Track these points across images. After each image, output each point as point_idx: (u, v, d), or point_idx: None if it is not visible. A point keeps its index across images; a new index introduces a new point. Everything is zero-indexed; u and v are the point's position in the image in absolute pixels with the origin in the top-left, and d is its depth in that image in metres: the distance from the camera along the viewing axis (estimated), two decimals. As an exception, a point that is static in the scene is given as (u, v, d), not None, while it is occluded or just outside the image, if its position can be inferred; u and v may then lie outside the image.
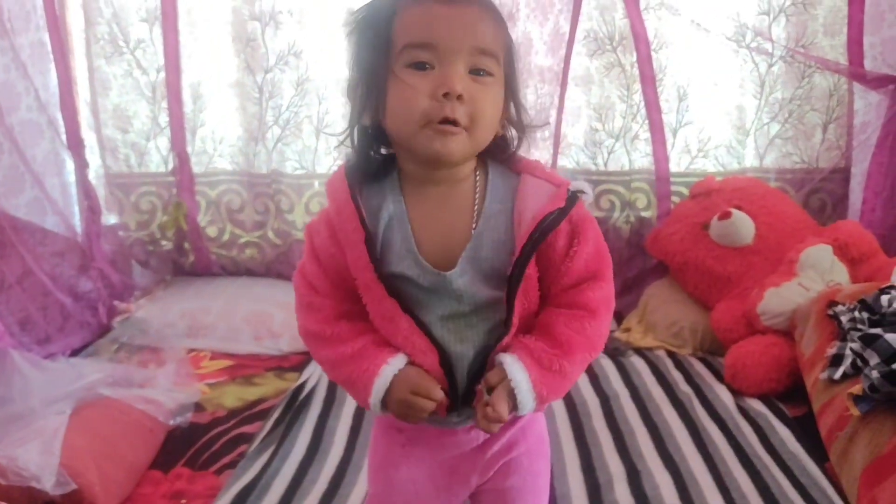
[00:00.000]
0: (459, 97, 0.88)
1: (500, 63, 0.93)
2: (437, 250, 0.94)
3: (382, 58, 0.91)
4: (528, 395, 0.91)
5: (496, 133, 0.97)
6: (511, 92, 0.97)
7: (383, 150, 1.00)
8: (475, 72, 0.90)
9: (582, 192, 0.95)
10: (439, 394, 0.94)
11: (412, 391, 0.93)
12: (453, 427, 1.03)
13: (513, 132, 1.00)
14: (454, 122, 0.89)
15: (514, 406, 0.92)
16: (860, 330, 1.70)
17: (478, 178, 0.97)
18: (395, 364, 0.94)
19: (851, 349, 1.69)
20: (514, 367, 0.92)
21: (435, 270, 0.94)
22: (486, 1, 0.93)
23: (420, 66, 0.89)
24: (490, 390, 0.92)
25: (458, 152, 0.91)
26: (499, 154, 1.00)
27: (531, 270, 0.94)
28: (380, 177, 0.98)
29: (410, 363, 0.96)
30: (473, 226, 0.95)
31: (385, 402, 0.95)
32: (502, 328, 0.95)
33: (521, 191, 0.96)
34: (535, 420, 1.10)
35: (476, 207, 0.96)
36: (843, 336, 1.79)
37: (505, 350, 0.95)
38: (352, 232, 0.93)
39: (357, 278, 0.95)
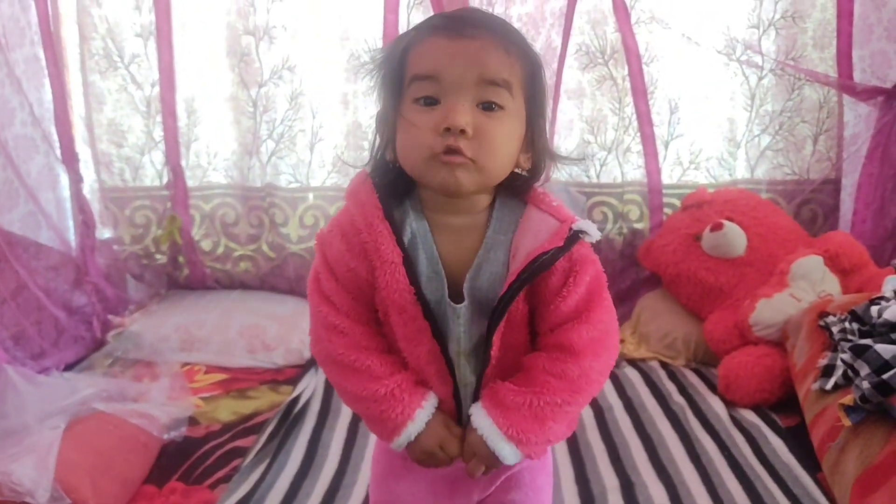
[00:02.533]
0: (463, 132, 0.86)
1: (515, 93, 0.90)
2: (453, 278, 0.94)
3: (395, 94, 0.91)
4: (498, 438, 0.91)
5: (519, 165, 0.95)
6: (532, 121, 0.94)
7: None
8: (486, 105, 0.88)
9: (585, 233, 0.92)
10: (459, 454, 0.97)
11: (440, 446, 0.95)
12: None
13: (543, 167, 0.98)
14: (459, 151, 0.87)
15: (493, 456, 0.93)
16: (850, 341, 1.70)
17: (492, 209, 0.96)
18: (428, 409, 0.95)
19: (842, 360, 1.70)
20: (478, 416, 0.94)
21: (451, 302, 0.94)
22: (499, 29, 0.91)
23: (428, 101, 0.88)
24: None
25: (467, 182, 0.89)
26: (520, 186, 0.97)
27: (520, 306, 0.93)
28: (401, 195, 0.97)
29: (438, 406, 0.97)
30: (475, 255, 0.94)
31: (409, 445, 0.97)
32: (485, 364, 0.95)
33: (522, 223, 0.94)
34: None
35: (482, 237, 0.95)
36: (834, 347, 1.80)
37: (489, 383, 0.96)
38: (387, 252, 0.91)
39: (388, 298, 0.93)
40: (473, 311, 0.93)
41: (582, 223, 0.93)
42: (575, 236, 0.91)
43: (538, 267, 0.90)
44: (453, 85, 0.87)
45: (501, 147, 0.90)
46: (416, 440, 0.95)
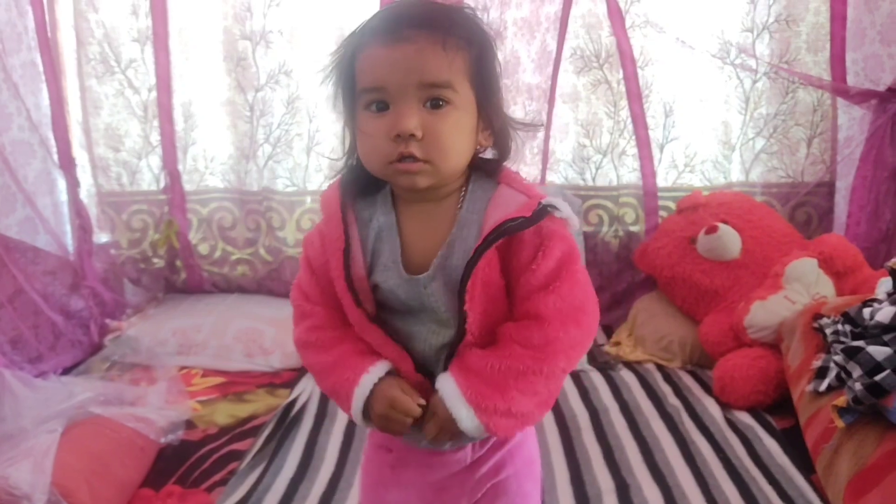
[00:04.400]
0: (412, 136, 0.90)
1: (460, 86, 0.93)
2: (420, 261, 0.96)
3: (348, 100, 0.96)
4: (457, 400, 0.92)
5: (480, 144, 0.98)
6: (484, 102, 0.96)
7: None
8: (433, 102, 0.91)
9: (554, 206, 0.94)
10: (416, 410, 0.95)
11: (391, 405, 0.94)
12: (440, 448, 1.04)
13: (503, 137, 1.00)
14: (413, 157, 0.91)
15: (451, 419, 0.92)
16: (843, 343, 1.72)
17: (463, 191, 0.99)
18: (375, 373, 0.96)
19: (835, 362, 1.71)
20: (443, 378, 0.94)
21: (407, 275, 0.95)
22: (438, 23, 0.92)
23: (379, 107, 0.92)
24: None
25: (425, 182, 0.93)
26: (486, 165, 1.01)
27: (493, 277, 0.94)
28: (373, 192, 1.01)
29: (392, 372, 0.97)
30: (448, 235, 0.96)
31: (369, 415, 0.96)
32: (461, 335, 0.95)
33: (493, 200, 0.97)
34: (524, 442, 1.10)
35: (455, 217, 0.97)
36: (828, 349, 1.81)
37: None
38: (335, 240, 0.96)
39: (335, 286, 0.98)
40: (446, 285, 0.95)
41: (552, 199, 0.95)
42: (543, 210, 0.93)
43: (503, 231, 0.92)
44: (397, 92, 0.91)
45: (452, 142, 0.93)
46: (370, 406, 0.96)
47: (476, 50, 0.95)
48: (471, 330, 0.94)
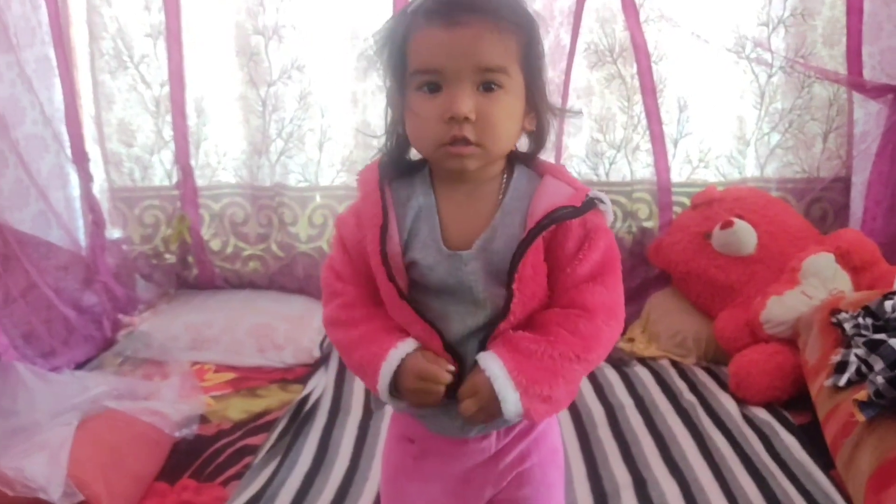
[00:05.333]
0: (466, 119, 0.91)
1: (512, 71, 0.94)
2: (459, 242, 0.97)
3: (399, 79, 0.96)
4: (505, 381, 0.91)
5: (524, 129, 0.99)
6: (531, 85, 0.98)
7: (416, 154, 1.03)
8: (486, 86, 0.92)
9: (600, 200, 0.96)
10: (446, 376, 0.94)
11: (420, 377, 0.94)
12: (465, 436, 1.03)
13: (545, 123, 1.02)
14: (465, 140, 0.92)
15: (497, 399, 0.91)
16: (864, 336, 1.70)
17: (505, 177, 1.00)
18: (402, 348, 0.95)
19: (856, 355, 1.69)
20: (488, 358, 0.93)
21: (450, 251, 0.96)
22: (491, 11, 0.93)
23: (431, 88, 0.93)
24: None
25: (474, 164, 0.95)
26: (532, 153, 1.03)
27: (539, 262, 0.95)
28: (412, 173, 1.02)
29: (419, 349, 0.96)
30: (492, 219, 0.97)
31: (398, 391, 0.96)
32: (503, 317, 0.95)
33: (539, 190, 0.98)
34: (549, 431, 1.09)
35: (498, 203, 0.98)
36: (846, 343, 1.80)
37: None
38: (372, 217, 0.97)
39: (371, 261, 0.98)
40: (487, 265, 0.95)
41: (598, 193, 0.97)
42: (591, 202, 0.95)
43: (555, 218, 0.93)
44: (453, 75, 0.91)
45: (504, 126, 0.94)
46: (399, 382, 0.95)
47: (526, 34, 0.96)
48: (514, 311, 0.94)
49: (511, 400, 0.91)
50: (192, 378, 2.25)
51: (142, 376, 2.26)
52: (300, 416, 2.03)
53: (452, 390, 0.95)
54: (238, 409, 2.12)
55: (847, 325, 1.82)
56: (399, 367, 0.94)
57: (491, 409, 0.93)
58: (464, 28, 0.91)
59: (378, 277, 0.98)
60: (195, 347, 2.49)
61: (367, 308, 1.00)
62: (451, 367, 0.95)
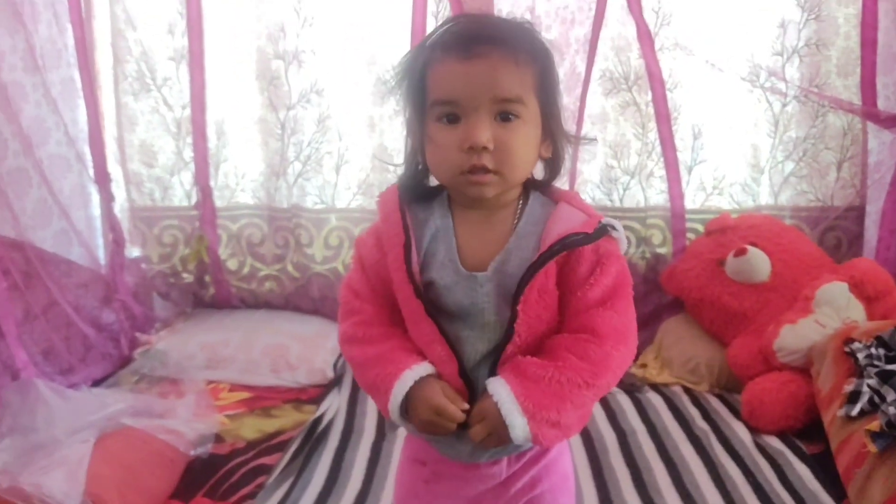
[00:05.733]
0: (485, 148, 0.93)
1: (529, 101, 0.97)
2: (475, 264, 0.99)
3: (419, 109, 0.99)
4: (513, 407, 0.92)
5: (540, 156, 1.02)
6: (547, 113, 1.00)
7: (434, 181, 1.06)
8: (503, 115, 0.95)
9: (613, 227, 0.98)
10: (461, 416, 0.96)
11: (436, 412, 0.95)
12: (476, 461, 1.04)
13: (560, 150, 1.04)
14: (484, 169, 0.94)
15: (505, 425, 0.92)
16: (877, 366, 1.70)
17: (520, 203, 1.03)
18: (417, 371, 0.97)
19: (868, 385, 1.69)
20: (496, 384, 0.94)
21: (467, 271, 0.98)
22: (509, 39, 0.96)
23: (450, 118, 0.95)
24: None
25: (493, 192, 0.97)
26: (547, 179, 1.06)
27: (548, 286, 0.96)
28: (429, 198, 1.05)
29: (434, 375, 0.98)
30: (506, 243, 0.99)
31: (407, 414, 0.97)
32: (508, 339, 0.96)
33: (553, 215, 1.00)
34: (560, 457, 1.10)
35: (513, 228, 1.01)
36: (859, 373, 1.80)
37: (509, 361, 0.97)
38: (394, 236, 0.99)
39: (393, 279, 1.00)
40: (499, 287, 0.97)
41: (611, 220, 0.99)
42: (604, 229, 0.97)
43: (568, 244, 0.95)
44: (471, 106, 0.94)
45: (522, 154, 0.97)
46: (412, 409, 0.96)
47: (541, 65, 0.99)
48: (518, 331, 0.95)
49: (518, 425, 0.92)
50: (207, 397, 2.27)
51: (157, 394, 2.28)
52: (313, 437, 2.04)
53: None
54: (252, 428, 2.14)
55: (860, 355, 1.82)
56: (412, 389, 0.96)
57: (500, 435, 0.94)
58: (482, 60, 0.94)
59: (401, 296, 1.00)
60: (210, 366, 2.51)
61: (384, 327, 1.02)
62: (465, 406, 0.96)
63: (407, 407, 0.97)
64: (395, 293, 1.01)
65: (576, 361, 0.94)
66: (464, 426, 0.97)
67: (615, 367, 0.97)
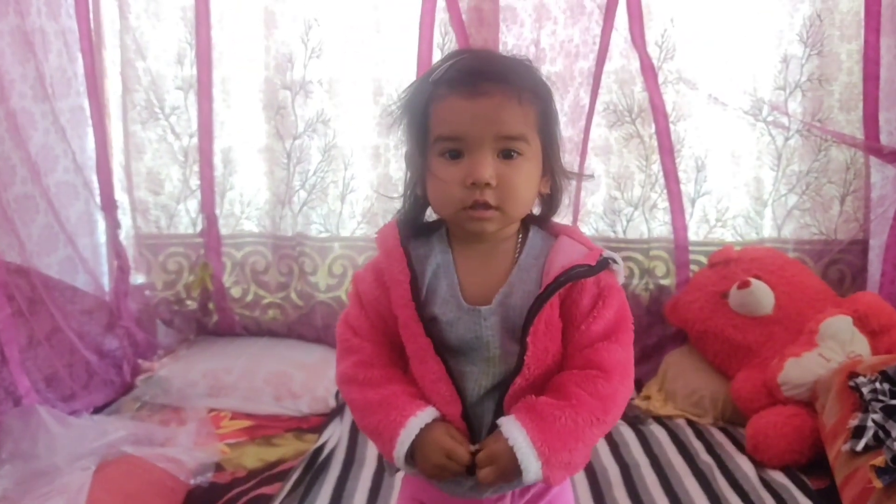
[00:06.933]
0: (487, 184, 0.94)
1: (531, 138, 0.98)
2: (477, 298, 0.99)
3: (421, 144, 1.00)
4: (529, 451, 0.91)
5: (539, 192, 1.03)
6: (547, 150, 1.01)
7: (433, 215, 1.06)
8: (506, 153, 0.96)
9: (614, 260, 0.99)
10: (469, 458, 0.95)
11: (448, 455, 0.95)
12: (479, 497, 1.03)
13: (559, 186, 1.05)
14: (486, 205, 0.95)
15: (517, 468, 0.92)
16: (882, 401, 1.69)
17: (520, 237, 1.04)
18: (423, 417, 0.96)
19: (873, 420, 1.68)
20: (510, 426, 0.93)
21: (470, 306, 0.98)
22: (513, 78, 0.97)
23: (453, 154, 0.96)
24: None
25: (494, 228, 0.98)
26: (546, 214, 1.07)
27: (553, 318, 0.97)
28: (428, 233, 1.06)
29: (439, 419, 0.97)
30: (508, 276, 1.00)
31: (413, 458, 0.97)
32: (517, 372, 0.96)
33: (555, 248, 1.01)
34: (563, 492, 1.10)
35: (514, 262, 1.01)
36: (864, 407, 1.79)
37: (517, 396, 0.96)
38: (398, 273, 0.99)
39: (398, 316, 1.00)
40: (504, 321, 0.98)
41: (611, 253, 1.00)
42: (605, 262, 0.98)
43: (572, 276, 0.96)
44: (475, 143, 0.95)
45: (523, 191, 0.98)
46: (419, 452, 0.96)
47: (543, 102, 1.00)
48: (529, 364, 0.96)
49: (533, 469, 0.92)
50: (208, 425, 2.26)
51: (159, 422, 2.28)
52: (315, 466, 2.03)
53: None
54: (253, 457, 2.13)
55: (865, 390, 1.81)
56: (418, 437, 0.95)
57: (511, 475, 0.93)
58: (487, 98, 0.94)
59: (406, 333, 1.00)
60: (212, 394, 2.50)
61: (385, 369, 1.02)
62: (474, 448, 0.96)
63: (412, 452, 0.97)
64: (398, 330, 1.01)
65: (587, 399, 0.94)
66: (470, 467, 0.96)
67: (621, 402, 0.97)
